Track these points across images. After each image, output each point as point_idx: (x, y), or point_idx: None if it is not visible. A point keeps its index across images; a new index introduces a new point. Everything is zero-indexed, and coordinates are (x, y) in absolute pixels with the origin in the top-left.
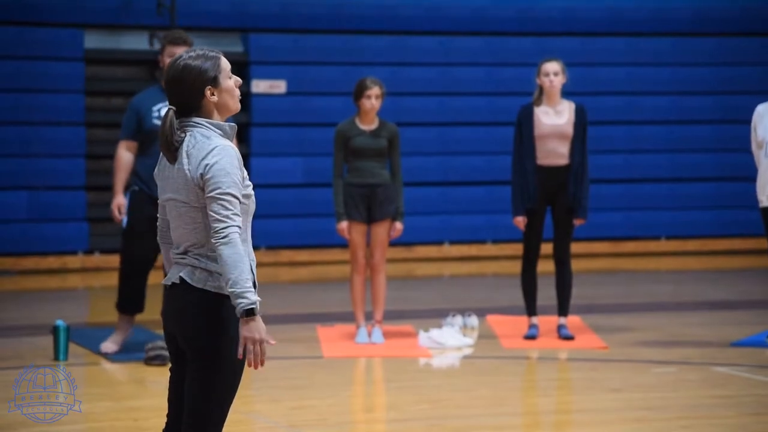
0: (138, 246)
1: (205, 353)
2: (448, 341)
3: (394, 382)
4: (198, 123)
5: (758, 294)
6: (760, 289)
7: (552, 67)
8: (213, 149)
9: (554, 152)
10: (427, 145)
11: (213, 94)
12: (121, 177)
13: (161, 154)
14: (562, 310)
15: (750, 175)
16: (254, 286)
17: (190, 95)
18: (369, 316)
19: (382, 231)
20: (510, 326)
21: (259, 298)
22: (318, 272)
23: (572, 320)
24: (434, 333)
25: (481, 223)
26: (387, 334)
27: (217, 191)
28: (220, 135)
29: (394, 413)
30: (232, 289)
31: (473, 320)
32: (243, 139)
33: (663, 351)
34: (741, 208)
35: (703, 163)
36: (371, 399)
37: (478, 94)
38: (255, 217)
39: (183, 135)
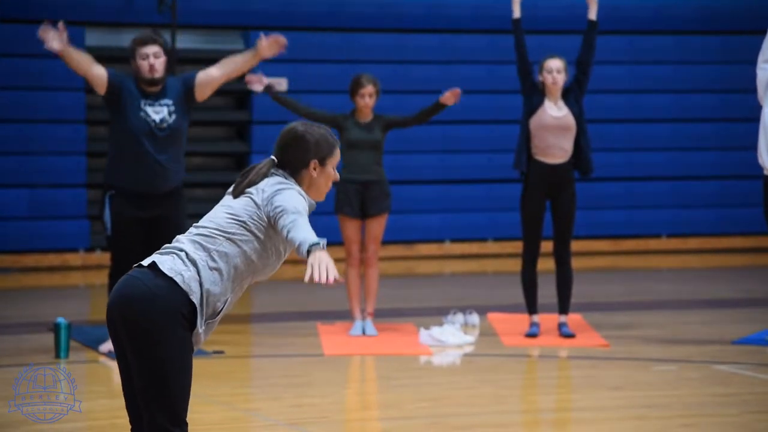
0: (124, 249)
1: (148, 342)
2: (449, 339)
3: (394, 380)
4: (287, 175)
5: (759, 292)
6: (761, 287)
7: (555, 64)
8: (287, 187)
9: (555, 146)
10: (428, 142)
11: (315, 169)
12: (81, 56)
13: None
14: (563, 308)
15: (751, 173)
16: (211, 316)
17: (296, 160)
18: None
19: (376, 226)
20: (511, 324)
21: (324, 239)
22: None
23: (573, 318)
24: (435, 331)
25: (482, 221)
26: (388, 332)
27: (281, 208)
28: (293, 183)
29: (395, 411)
30: (294, 237)
31: (474, 318)
32: (244, 136)
33: (664, 349)
34: (742, 206)
35: (705, 161)
36: (372, 397)
37: (479, 92)
38: None
39: (265, 177)
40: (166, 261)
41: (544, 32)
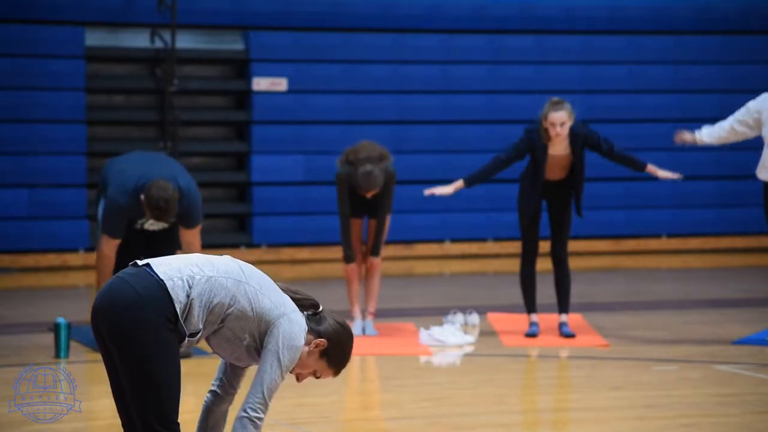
0: (118, 249)
1: (134, 345)
2: (449, 339)
3: (394, 380)
4: (309, 325)
5: (760, 292)
6: (761, 287)
7: (560, 118)
8: (295, 341)
9: (559, 173)
10: (428, 143)
11: (316, 347)
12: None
13: None
14: (563, 307)
15: (751, 173)
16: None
17: (322, 326)
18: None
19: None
20: (511, 324)
21: None
22: (319, 270)
23: (573, 318)
24: (435, 331)
25: (482, 221)
26: (388, 332)
27: (278, 351)
28: (305, 332)
29: (395, 411)
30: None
31: (474, 318)
32: (244, 136)
33: (664, 349)
34: (743, 206)
35: (705, 161)
36: (372, 397)
37: (478, 92)
38: (257, 214)
39: (302, 311)
40: (161, 264)
41: (544, 32)
